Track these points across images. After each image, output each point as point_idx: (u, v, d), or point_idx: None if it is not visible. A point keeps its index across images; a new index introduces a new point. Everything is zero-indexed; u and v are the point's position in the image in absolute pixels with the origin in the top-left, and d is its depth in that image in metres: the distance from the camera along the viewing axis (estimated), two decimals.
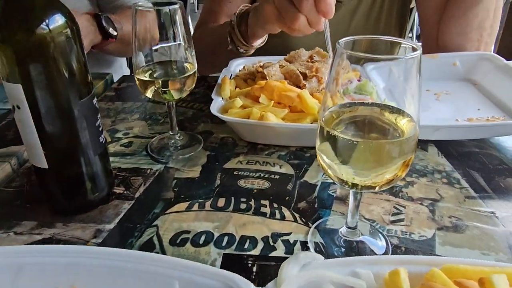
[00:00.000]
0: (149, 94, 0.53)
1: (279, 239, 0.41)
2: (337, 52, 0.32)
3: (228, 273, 0.30)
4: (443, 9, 0.83)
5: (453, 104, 0.67)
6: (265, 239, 0.41)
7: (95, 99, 0.42)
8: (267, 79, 0.61)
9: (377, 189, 0.33)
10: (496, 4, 0.78)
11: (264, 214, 0.45)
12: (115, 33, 0.90)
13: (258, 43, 0.75)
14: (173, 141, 0.59)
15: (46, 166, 0.41)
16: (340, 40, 0.32)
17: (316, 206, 0.46)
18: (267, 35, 0.74)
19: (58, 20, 0.37)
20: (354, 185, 0.33)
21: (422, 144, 0.58)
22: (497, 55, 0.73)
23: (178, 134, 0.59)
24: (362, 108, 0.36)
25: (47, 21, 0.36)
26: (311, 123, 0.55)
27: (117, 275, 0.31)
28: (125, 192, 0.49)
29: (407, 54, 0.31)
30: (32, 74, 0.36)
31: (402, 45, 0.36)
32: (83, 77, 0.40)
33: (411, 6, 0.99)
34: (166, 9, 0.48)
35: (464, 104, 0.66)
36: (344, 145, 0.32)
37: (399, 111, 0.34)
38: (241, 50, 0.75)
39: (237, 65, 0.75)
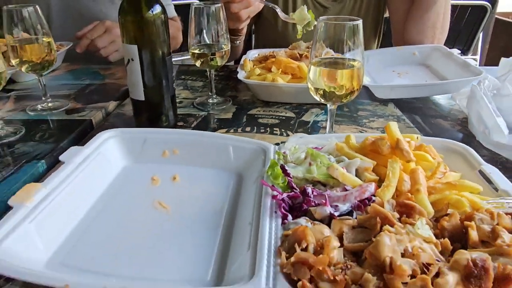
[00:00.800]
0: (198, 63, 0.79)
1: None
2: (318, 23, 0.57)
3: (259, 141, 0.55)
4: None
5: (409, 79, 0.93)
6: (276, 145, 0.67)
7: (172, 58, 0.69)
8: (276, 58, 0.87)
9: (341, 101, 0.59)
10: (445, 8, 1.06)
11: (276, 134, 0.70)
12: None
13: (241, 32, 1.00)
14: (210, 100, 0.85)
15: (143, 99, 0.67)
16: (320, 18, 0.58)
17: (309, 131, 0.72)
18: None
19: (157, 9, 0.63)
20: (328, 98, 0.58)
21: (384, 102, 0.84)
22: (444, 46, 0.99)
23: (215, 95, 0.85)
24: (335, 59, 0.62)
25: (151, 9, 0.63)
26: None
27: (198, 144, 0.56)
28: (184, 125, 0.75)
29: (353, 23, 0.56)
30: (142, 39, 0.63)
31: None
32: (168, 44, 0.66)
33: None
34: (213, 7, 0.74)
35: (417, 79, 0.92)
36: (322, 71, 0.57)
37: (354, 60, 0.59)
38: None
39: (253, 54, 1.02)
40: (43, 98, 0.83)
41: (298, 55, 0.90)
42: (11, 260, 0.33)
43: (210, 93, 0.85)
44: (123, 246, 0.40)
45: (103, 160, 0.52)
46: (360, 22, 0.55)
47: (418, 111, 0.80)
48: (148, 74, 0.65)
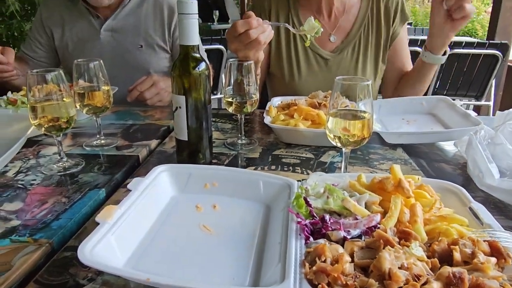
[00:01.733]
0: (230, 109, 0.92)
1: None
2: (336, 83, 0.70)
3: (286, 178, 0.67)
4: (398, 73, 1.32)
5: (416, 126, 1.04)
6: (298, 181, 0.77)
7: (211, 106, 0.82)
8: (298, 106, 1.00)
9: (353, 145, 0.70)
10: None
11: (297, 172, 0.82)
12: None
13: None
14: (239, 141, 0.97)
15: (186, 139, 0.80)
16: (337, 78, 0.71)
17: (326, 171, 0.83)
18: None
19: (202, 66, 0.78)
20: (343, 142, 0.70)
21: (393, 146, 0.95)
22: (449, 98, 1.10)
23: (243, 137, 0.98)
24: (349, 110, 0.74)
25: (198, 67, 0.77)
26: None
27: (233, 178, 0.68)
28: (218, 162, 0.87)
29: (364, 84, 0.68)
30: (189, 91, 0.76)
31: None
32: (209, 94, 0.80)
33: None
34: (245, 63, 0.89)
35: (424, 126, 1.03)
36: (337, 120, 0.69)
37: (364, 112, 0.71)
38: None
39: (276, 101, 1.15)
40: (98, 136, 0.97)
41: (317, 103, 1.02)
42: (102, 261, 0.44)
43: (239, 135, 0.98)
44: (179, 256, 0.51)
45: (158, 189, 0.64)
46: (369, 83, 0.68)
47: (424, 155, 0.91)
48: (192, 119, 0.78)
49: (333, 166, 0.85)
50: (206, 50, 3.05)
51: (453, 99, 1.09)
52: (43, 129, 0.78)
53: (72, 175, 0.80)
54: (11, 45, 2.38)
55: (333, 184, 0.63)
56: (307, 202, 0.56)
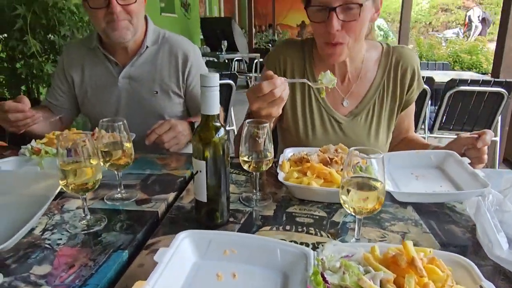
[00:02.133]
0: (246, 167, 0.96)
1: (320, 244, 0.80)
2: (349, 153, 0.74)
3: (302, 246, 0.70)
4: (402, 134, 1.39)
5: (426, 182, 1.07)
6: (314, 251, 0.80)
7: (229, 173, 0.86)
8: (310, 162, 1.04)
9: (367, 214, 0.73)
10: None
11: (311, 234, 0.84)
12: None
13: None
14: (254, 196, 1.01)
15: (205, 201, 0.83)
16: (351, 149, 0.75)
17: (339, 232, 0.85)
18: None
19: (221, 132, 0.82)
20: (356, 211, 0.73)
21: (404, 205, 0.98)
22: (456, 154, 1.14)
23: (258, 192, 1.02)
24: (361, 178, 0.77)
25: (217, 134, 0.82)
26: (336, 188, 0.96)
27: (252, 245, 0.71)
28: (234, 220, 0.90)
29: (376, 156, 0.72)
30: (209, 157, 0.81)
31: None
32: (228, 158, 0.84)
33: None
34: (261, 125, 0.93)
35: (433, 183, 1.06)
36: (350, 191, 0.73)
37: (376, 180, 0.75)
38: None
39: (288, 152, 1.20)
40: (118, 190, 1.02)
41: (328, 159, 1.06)
42: None
43: (254, 191, 1.01)
44: None
45: (181, 257, 0.67)
46: (382, 156, 0.72)
47: (433, 215, 0.93)
48: (211, 183, 0.82)
49: (345, 227, 0.88)
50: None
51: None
52: (70, 188, 0.82)
53: (95, 234, 0.83)
54: (30, 83, 2.48)
55: (347, 256, 0.66)
56: (324, 278, 0.59)
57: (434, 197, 0.97)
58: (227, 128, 3.78)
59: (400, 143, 1.43)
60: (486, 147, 1.09)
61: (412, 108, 1.37)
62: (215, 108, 0.80)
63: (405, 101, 1.32)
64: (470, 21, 8.19)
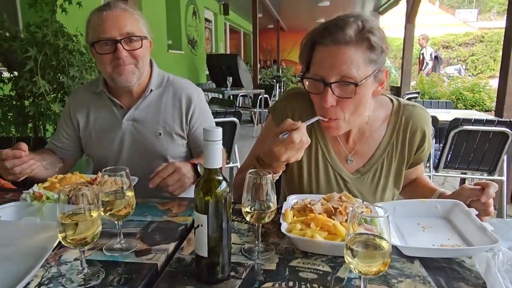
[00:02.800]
0: (248, 218, 0.95)
1: None
2: (354, 208, 0.73)
3: None
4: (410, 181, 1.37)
5: (433, 234, 1.04)
6: None
7: (231, 224, 0.84)
8: (314, 213, 1.02)
9: (373, 275, 0.71)
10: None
11: None
12: None
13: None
14: (256, 247, 0.99)
15: (206, 256, 0.81)
16: (354, 207, 0.73)
17: None
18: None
19: (223, 186, 0.81)
20: (362, 273, 0.71)
21: (411, 259, 0.94)
22: (463, 204, 1.11)
23: (260, 244, 0.99)
24: (366, 236, 0.75)
25: (219, 187, 0.81)
26: (340, 241, 0.94)
27: None
28: (236, 275, 0.87)
29: (382, 215, 0.71)
30: (211, 211, 0.80)
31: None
32: (230, 212, 0.83)
33: None
34: (265, 177, 0.92)
35: (440, 234, 1.04)
36: (355, 253, 0.70)
37: (382, 238, 0.73)
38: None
39: (292, 199, 1.18)
40: (118, 239, 1.00)
41: (332, 209, 1.05)
42: None
43: (256, 242, 0.99)
44: None
45: None
46: (387, 215, 0.70)
47: (442, 271, 0.90)
48: (212, 237, 0.81)
49: (350, 284, 0.85)
50: (221, 123, 3.19)
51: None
52: (68, 242, 0.80)
53: None
54: (37, 121, 2.52)
55: None
56: None
57: (442, 253, 0.94)
58: (231, 165, 3.78)
59: (407, 186, 1.40)
60: (491, 200, 1.06)
61: (419, 165, 1.35)
62: (217, 161, 0.79)
63: (414, 160, 1.28)
64: (423, 58, 9.07)
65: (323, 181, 1.28)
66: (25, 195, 1.17)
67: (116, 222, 0.98)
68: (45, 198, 1.16)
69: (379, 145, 1.25)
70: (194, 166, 1.43)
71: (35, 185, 1.24)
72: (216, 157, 0.79)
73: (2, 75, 2.55)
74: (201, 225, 0.80)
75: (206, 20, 10.67)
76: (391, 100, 1.27)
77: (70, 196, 0.80)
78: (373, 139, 1.25)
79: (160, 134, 1.57)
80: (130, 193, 0.97)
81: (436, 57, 9.40)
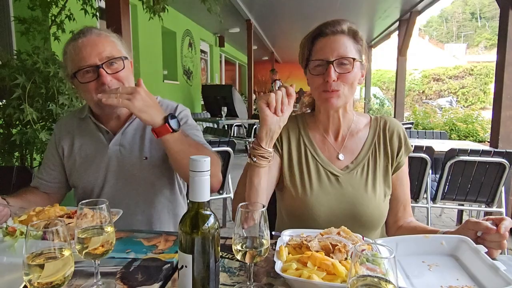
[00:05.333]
0: (239, 256, 0.86)
1: None
2: (354, 252, 0.65)
3: None
4: (399, 203, 1.38)
5: (440, 273, 0.96)
6: None
7: (219, 263, 0.76)
8: (311, 251, 0.94)
9: None
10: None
11: None
12: None
13: (268, 149, 1.16)
14: None
15: None
16: (356, 245, 0.66)
17: None
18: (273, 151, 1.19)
19: (211, 221, 0.74)
20: None
21: None
22: (470, 240, 1.04)
23: (253, 285, 0.90)
24: (370, 278, 0.67)
25: (206, 223, 0.73)
26: (341, 283, 0.85)
27: None
28: None
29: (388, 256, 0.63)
30: (196, 249, 0.71)
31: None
32: (218, 251, 0.75)
33: None
34: (261, 210, 0.85)
35: (448, 274, 0.95)
36: None
37: (388, 281, 0.65)
38: (254, 160, 1.16)
39: (286, 235, 1.10)
40: (94, 280, 0.90)
41: (330, 246, 0.96)
42: None
43: (248, 283, 0.90)
44: None
45: None
46: (393, 256, 0.62)
47: None
48: (198, 279, 0.72)
49: None
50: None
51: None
52: (34, 286, 0.71)
53: None
54: (24, 150, 2.43)
55: None
56: None
57: None
58: (224, 195, 3.68)
59: (401, 229, 1.37)
60: (506, 233, 1.00)
61: (403, 174, 1.39)
62: (205, 194, 0.72)
63: (397, 164, 1.36)
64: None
65: (315, 180, 1.33)
66: None
67: (94, 262, 0.89)
68: (19, 233, 1.07)
69: (364, 143, 1.37)
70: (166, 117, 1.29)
71: (10, 218, 1.14)
72: (204, 190, 0.72)
73: None
74: (186, 266, 0.72)
75: (202, 51, 10.85)
76: (370, 115, 1.47)
77: (39, 235, 0.71)
78: (359, 137, 1.38)
79: (146, 158, 1.49)
80: (110, 229, 0.88)
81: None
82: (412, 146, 1.39)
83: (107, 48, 1.37)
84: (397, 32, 8.31)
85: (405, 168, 1.38)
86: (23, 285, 0.74)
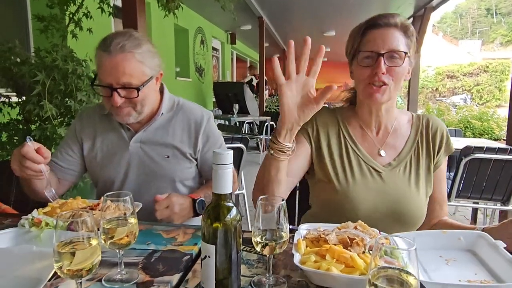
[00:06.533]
0: (258, 248, 0.88)
1: None
2: (375, 245, 0.66)
3: None
4: (436, 202, 1.36)
5: (458, 268, 0.96)
6: None
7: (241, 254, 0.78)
8: (328, 243, 0.95)
9: None
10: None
11: None
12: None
13: (286, 144, 1.09)
14: (267, 280, 0.91)
15: None
16: (377, 238, 0.67)
17: None
18: (294, 145, 1.12)
19: (233, 213, 0.75)
20: None
21: None
22: (489, 236, 1.04)
23: (272, 277, 0.92)
24: (391, 270, 0.68)
25: (229, 215, 0.75)
26: (359, 275, 0.86)
27: None
28: None
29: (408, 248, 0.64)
30: (219, 240, 0.73)
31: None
32: (240, 242, 0.76)
33: None
34: (281, 203, 0.86)
35: (466, 269, 0.96)
36: None
37: (409, 273, 0.66)
38: (272, 152, 1.11)
39: (303, 229, 1.11)
40: (118, 269, 0.93)
41: (348, 240, 0.97)
42: None
43: (267, 274, 0.92)
44: None
45: None
46: (414, 248, 0.63)
47: None
48: (220, 269, 0.74)
49: None
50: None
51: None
52: (64, 273, 0.74)
53: None
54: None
55: None
56: None
57: None
58: (237, 192, 3.71)
59: (435, 227, 1.36)
60: None
61: (442, 173, 1.38)
62: (227, 187, 0.74)
63: (436, 163, 1.34)
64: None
65: (357, 175, 1.31)
66: (23, 221, 1.11)
67: (117, 251, 0.92)
68: (44, 224, 1.10)
69: (406, 141, 1.35)
70: (193, 203, 1.39)
71: (35, 210, 1.18)
72: (226, 182, 0.74)
73: (10, 100, 2.56)
74: (209, 256, 0.74)
75: (214, 49, 10.88)
76: (411, 113, 1.44)
77: (68, 226, 0.74)
78: (402, 134, 1.36)
79: (168, 156, 1.52)
80: (133, 220, 0.91)
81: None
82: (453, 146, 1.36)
83: (128, 73, 1.34)
84: None
85: (443, 167, 1.37)
86: (53, 271, 0.77)
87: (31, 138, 1.24)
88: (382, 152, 1.34)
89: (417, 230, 1.35)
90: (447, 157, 1.37)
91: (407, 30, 1.24)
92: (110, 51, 1.33)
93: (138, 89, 1.37)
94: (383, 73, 1.20)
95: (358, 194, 1.28)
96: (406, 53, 1.21)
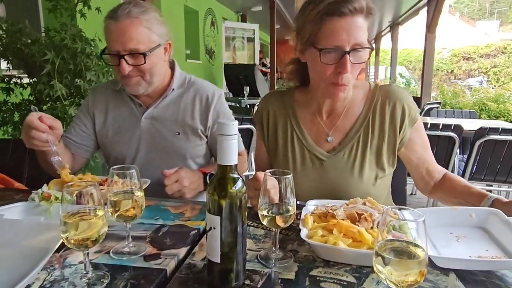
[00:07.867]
0: (265, 222, 0.87)
1: None
2: (384, 212, 0.65)
3: None
4: (422, 169, 1.28)
5: (469, 245, 0.95)
6: None
7: (247, 227, 0.77)
8: (336, 218, 0.94)
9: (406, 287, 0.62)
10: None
11: None
12: None
13: None
14: (273, 254, 0.91)
15: (218, 261, 0.74)
16: (385, 209, 0.65)
17: None
18: None
19: (238, 185, 0.74)
20: (394, 283, 0.62)
21: (445, 271, 0.85)
22: (502, 212, 1.01)
23: (278, 251, 0.91)
24: (398, 242, 0.67)
25: (234, 187, 0.74)
26: (367, 250, 0.85)
27: None
28: (251, 283, 0.80)
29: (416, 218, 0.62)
30: (224, 212, 0.73)
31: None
32: (245, 215, 0.76)
33: None
34: (284, 177, 0.85)
35: (477, 245, 0.94)
36: (387, 261, 0.62)
37: (417, 245, 0.64)
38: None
39: (311, 205, 1.10)
40: (126, 242, 0.94)
41: (356, 215, 0.96)
42: None
43: (273, 248, 0.91)
44: None
45: None
46: (423, 219, 0.62)
47: (481, 285, 0.80)
48: (226, 241, 0.74)
49: None
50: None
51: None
52: (71, 243, 0.75)
53: None
54: None
55: None
56: None
57: (481, 265, 0.84)
58: (247, 173, 3.71)
59: (435, 190, 1.29)
60: None
61: (414, 144, 1.26)
62: (232, 158, 0.73)
63: (401, 139, 1.25)
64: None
65: (299, 164, 1.29)
66: (33, 195, 1.13)
67: (124, 224, 0.92)
68: (53, 198, 1.11)
69: (356, 121, 1.26)
70: (204, 176, 1.39)
71: (45, 185, 1.20)
72: (231, 153, 0.72)
73: (22, 81, 2.58)
74: (214, 228, 0.73)
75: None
76: (369, 83, 1.32)
77: (74, 197, 0.74)
78: (352, 114, 1.27)
79: (179, 133, 1.52)
80: (139, 193, 0.91)
81: None
82: (418, 114, 1.23)
83: (135, 38, 1.33)
84: (425, 8, 7.97)
85: (414, 137, 1.25)
86: (60, 241, 0.78)
87: (36, 108, 1.25)
88: (330, 138, 1.27)
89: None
90: (420, 122, 1.26)
91: (371, 12, 1.10)
92: (117, 17, 1.33)
93: (144, 55, 1.36)
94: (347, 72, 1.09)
95: (297, 185, 1.12)
96: (373, 49, 1.13)
